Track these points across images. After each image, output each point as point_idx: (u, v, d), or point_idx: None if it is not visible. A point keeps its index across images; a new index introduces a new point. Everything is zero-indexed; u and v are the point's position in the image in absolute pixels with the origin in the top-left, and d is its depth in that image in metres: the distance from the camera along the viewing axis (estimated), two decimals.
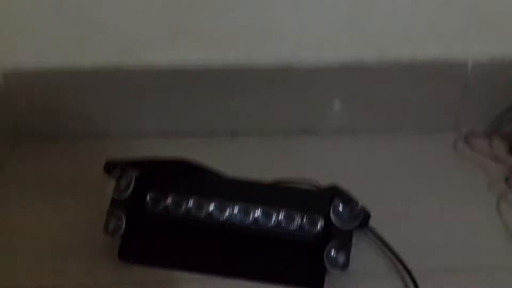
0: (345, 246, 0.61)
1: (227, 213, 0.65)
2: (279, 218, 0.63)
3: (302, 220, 0.63)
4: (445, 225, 0.72)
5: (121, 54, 0.84)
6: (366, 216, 0.66)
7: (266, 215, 0.64)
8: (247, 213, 0.64)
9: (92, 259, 0.66)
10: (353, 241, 0.61)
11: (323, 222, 0.62)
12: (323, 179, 0.76)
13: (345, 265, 0.61)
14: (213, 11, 0.81)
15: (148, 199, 0.66)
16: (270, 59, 0.84)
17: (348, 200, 0.61)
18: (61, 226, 0.71)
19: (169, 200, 0.66)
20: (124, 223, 0.63)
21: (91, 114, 0.89)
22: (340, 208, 0.61)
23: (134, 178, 0.65)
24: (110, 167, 0.67)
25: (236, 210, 0.65)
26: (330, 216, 0.61)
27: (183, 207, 0.66)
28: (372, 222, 0.68)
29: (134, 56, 0.84)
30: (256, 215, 0.64)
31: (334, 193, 0.65)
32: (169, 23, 0.82)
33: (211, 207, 0.65)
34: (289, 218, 0.63)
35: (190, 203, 0.65)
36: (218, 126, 0.91)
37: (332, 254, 0.61)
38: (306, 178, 0.77)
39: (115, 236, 0.64)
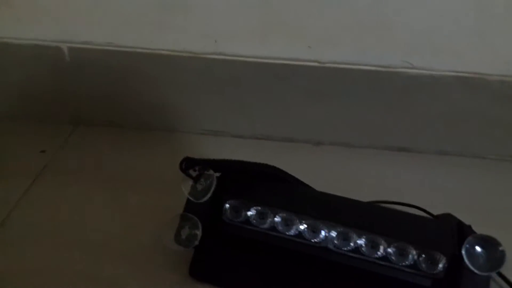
0: None
1: (321, 235, 0.53)
2: (388, 250, 0.51)
3: (418, 257, 0.50)
4: None
5: (204, 43, 0.74)
6: None
7: (372, 244, 0.52)
8: (347, 239, 0.53)
9: (155, 271, 0.56)
10: None
11: (446, 262, 0.50)
12: (425, 207, 0.64)
13: None
14: (313, 2, 0.70)
15: (227, 207, 0.55)
16: (373, 62, 0.73)
17: (486, 240, 0.48)
18: (121, 228, 0.62)
19: (251, 212, 0.55)
20: (200, 232, 0.53)
21: (162, 104, 0.80)
22: (477, 249, 0.48)
23: (215, 181, 0.55)
24: (188, 165, 0.57)
25: (333, 234, 0.53)
26: (457, 256, 0.49)
27: (268, 221, 0.54)
28: None
29: (218, 47, 0.74)
30: (358, 243, 0.52)
31: (459, 227, 0.52)
32: (262, 12, 0.72)
33: (302, 225, 0.54)
34: (400, 251, 0.51)
35: (277, 218, 0.54)
36: (301, 132, 0.80)
37: None
38: (403, 201, 0.65)
39: (189, 247, 0.53)
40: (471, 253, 0.48)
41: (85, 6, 0.74)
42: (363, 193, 0.64)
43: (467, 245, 0.48)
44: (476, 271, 0.48)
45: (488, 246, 0.48)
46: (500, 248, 0.48)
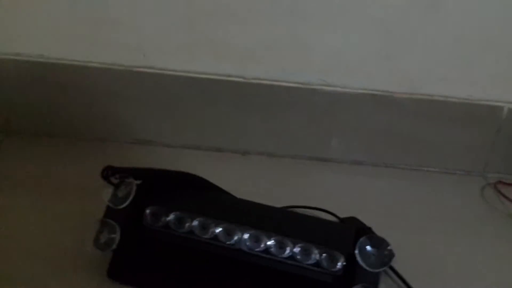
0: None
1: (235, 238, 0.57)
2: (294, 250, 0.56)
3: (320, 255, 0.55)
4: (470, 271, 0.67)
5: (133, 56, 0.78)
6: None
7: (280, 245, 0.56)
8: (258, 241, 0.57)
9: (76, 274, 0.58)
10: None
11: (344, 260, 0.55)
12: (338, 212, 0.70)
13: None
14: (238, 23, 0.76)
15: (147, 213, 0.58)
16: (293, 79, 0.79)
17: (377, 240, 0.54)
18: (45, 234, 0.63)
19: (171, 217, 0.58)
20: (118, 236, 0.56)
21: (92, 114, 0.82)
22: (368, 248, 0.54)
23: (134, 188, 0.58)
24: (109, 173, 0.59)
25: (245, 236, 0.57)
26: (353, 255, 0.54)
27: (186, 226, 0.58)
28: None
29: (147, 60, 0.78)
30: (267, 244, 0.57)
31: (358, 229, 0.58)
32: (190, 30, 0.76)
33: (218, 229, 0.58)
34: (305, 251, 0.56)
35: (195, 222, 0.58)
36: (229, 143, 0.84)
37: None
38: (320, 206, 0.70)
39: (106, 251, 0.56)
40: (364, 252, 0.54)
41: (15, 18, 0.75)
42: (283, 200, 0.69)
43: (359, 245, 0.54)
44: (367, 268, 0.53)
45: (378, 246, 0.54)
46: (388, 248, 0.54)
